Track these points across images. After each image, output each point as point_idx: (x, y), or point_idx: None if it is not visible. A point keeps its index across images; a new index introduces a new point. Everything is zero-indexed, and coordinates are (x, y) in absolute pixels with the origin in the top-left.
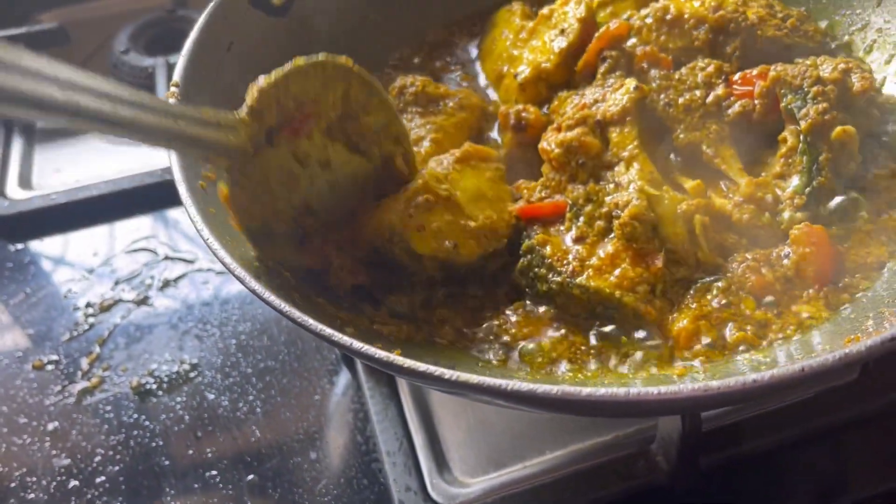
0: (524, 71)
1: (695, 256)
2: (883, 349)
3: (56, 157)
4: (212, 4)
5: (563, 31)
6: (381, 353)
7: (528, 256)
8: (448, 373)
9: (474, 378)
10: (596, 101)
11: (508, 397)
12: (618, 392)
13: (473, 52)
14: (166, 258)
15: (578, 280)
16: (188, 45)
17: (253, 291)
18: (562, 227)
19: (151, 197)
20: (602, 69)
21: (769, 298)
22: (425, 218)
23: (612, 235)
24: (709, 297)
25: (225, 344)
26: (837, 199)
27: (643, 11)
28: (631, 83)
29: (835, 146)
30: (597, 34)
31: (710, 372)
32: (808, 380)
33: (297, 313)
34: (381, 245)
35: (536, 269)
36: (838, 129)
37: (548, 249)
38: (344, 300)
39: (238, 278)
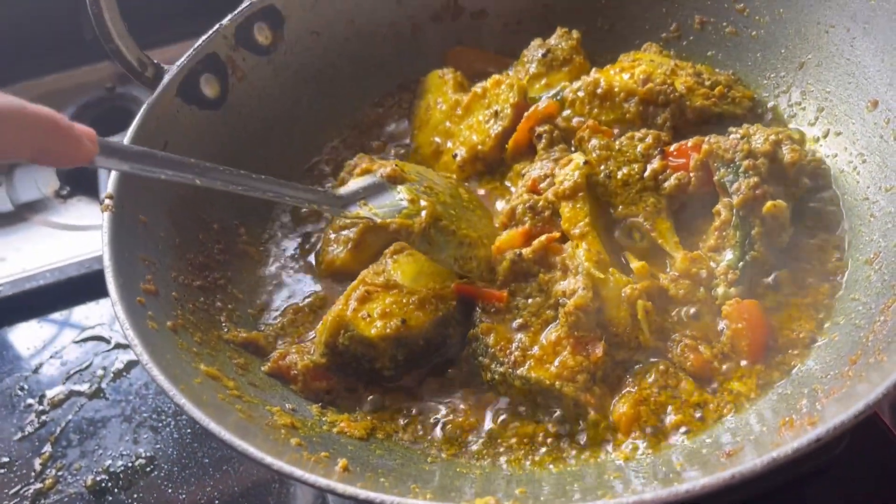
0: (461, 152)
1: (636, 340)
2: (809, 449)
3: (0, 245)
4: (144, 107)
5: (496, 115)
6: (307, 477)
7: (473, 344)
8: (388, 498)
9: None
10: (546, 177)
11: None
12: None
13: (404, 124)
14: (117, 346)
15: (520, 371)
16: None
17: (194, 418)
18: (507, 315)
19: (99, 283)
20: (541, 145)
21: (707, 378)
22: (367, 307)
23: (556, 323)
24: (648, 379)
25: (180, 434)
26: (770, 277)
27: (575, 84)
28: (580, 158)
29: (766, 220)
30: (526, 113)
31: (646, 464)
32: (738, 485)
33: (237, 442)
34: (335, 342)
35: (480, 358)
36: (769, 203)
37: (491, 338)
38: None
39: (178, 405)
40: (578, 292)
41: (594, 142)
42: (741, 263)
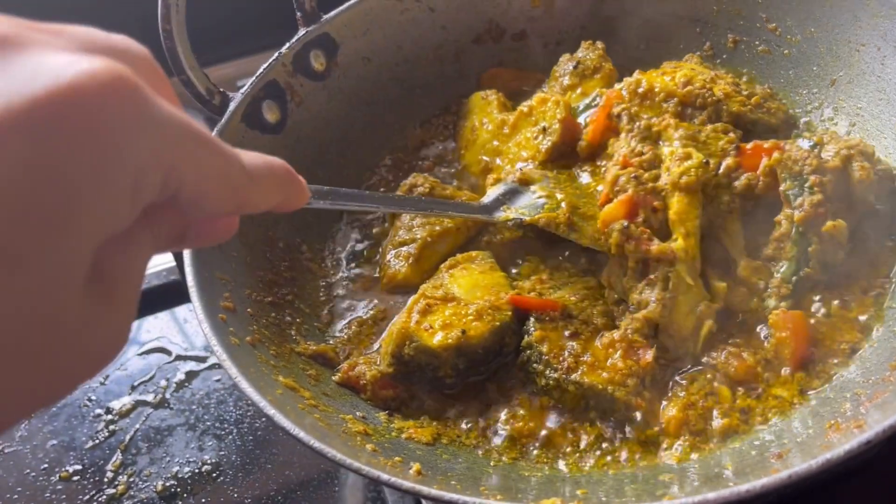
0: (510, 168)
1: (685, 349)
2: (859, 451)
3: None
4: (213, 133)
5: (545, 131)
6: (394, 480)
7: (527, 352)
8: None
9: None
10: (637, 153)
11: None
12: None
13: (450, 144)
14: (178, 358)
15: (573, 376)
16: None
17: (284, 428)
18: (560, 323)
19: (159, 297)
20: (623, 122)
21: (750, 384)
22: (429, 319)
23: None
24: (695, 385)
25: (243, 441)
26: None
27: (617, 85)
28: (701, 155)
29: (824, 238)
30: (600, 101)
31: (698, 466)
32: (792, 485)
33: (326, 449)
34: (400, 353)
35: (535, 365)
36: (829, 223)
37: (545, 346)
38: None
39: (268, 416)
40: (650, 306)
41: (680, 131)
42: (795, 278)
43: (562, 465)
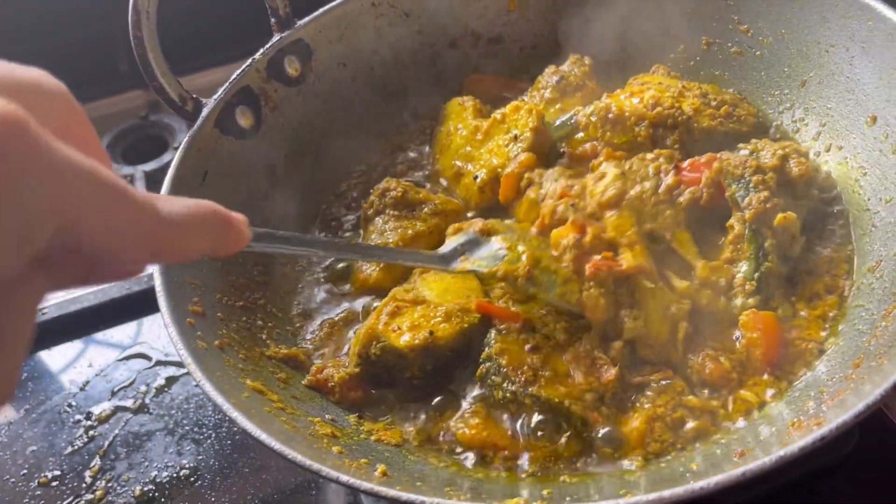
0: (482, 174)
1: (667, 355)
2: (814, 447)
3: None
4: (185, 139)
5: (516, 139)
6: (353, 482)
7: (486, 364)
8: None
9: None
10: (571, 186)
11: None
12: None
13: (426, 148)
14: (158, 363)
15: (531, 389)
16: (167, 184)
17: (246, 430)
18: (521, 336)
19: (139, 303)
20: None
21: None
22: (397, 321)
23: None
24: (662, 398)
25: (221, 445)
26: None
27: (587, 109)
28: (615, 169)
29: (778, 231)
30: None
31: (664, 466)
32: (748, 482)
33: (286, 451)
34: (367, 353)
35: (493, 378)
36: (780, 216)
37: (504, 359)
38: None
39: (231, 418)
40: (626, 324)
41: (607, 165)
42: (756, 274)
43: (526, 471)
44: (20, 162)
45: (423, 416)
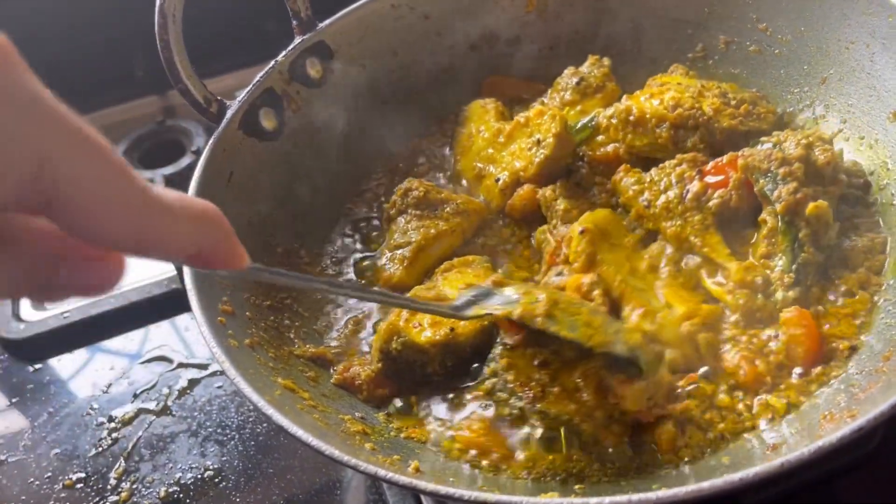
0: (504, 176)
1: (703, 364)
2: (852, 437)
3: None
4: (211, 141)
5: (539, 143)
6: (391, 476)
7: (493, 380)
8: (467, 493)
9: (491, 497)
10: (561, 242)
11: None
12: None
13: (446, 150)
14: (180, 365)
15: (539, 406)
16: (193, 185)
17: (281, 426)
18: (528, 350)
19: (160, 306)
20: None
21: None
22: (418, 317)
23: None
24: (692, 401)
25: (245, 446)
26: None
27: (608, 111)
28: (577, 227)
29: (811, 221)
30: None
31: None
32: (785, 473)
33: (325, 447)
34: (389, 348)
35: (500, 393)
36: (811, 205)
37: (511, 375)
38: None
39: (266, 415)
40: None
41: (627, 180)
42: (794, 266)
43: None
44: (2, 90)
45: (439, 413)
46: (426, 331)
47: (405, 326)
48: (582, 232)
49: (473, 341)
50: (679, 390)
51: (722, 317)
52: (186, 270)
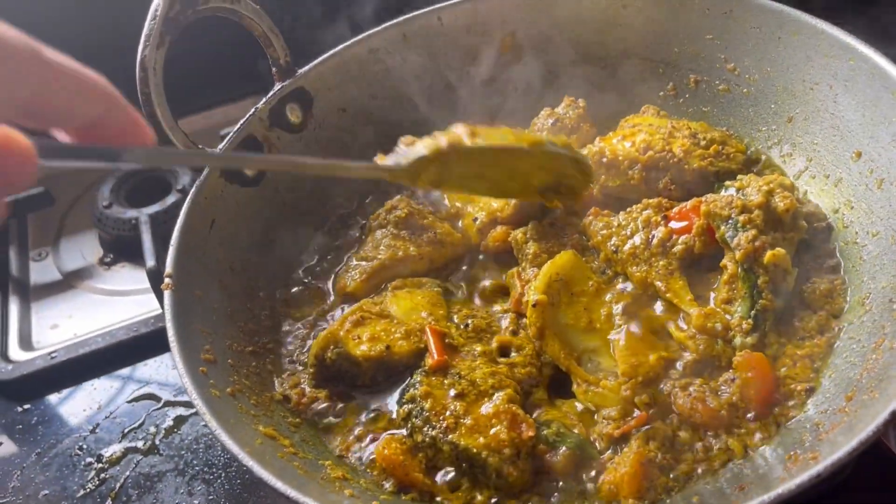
0: (481, 216)
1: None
2: (811, 484)
3: (52, 313)
4: (193, 189)
5: None
6: None
7: (410, 405)
8: None
9: None
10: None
11: None
12: None
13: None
14: (167, 403)
15: (450, 437)
16: (176, 234)
17: (262, 478)
18: (446, 380)
19: (147, 345)
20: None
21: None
22: (359, 330)
23: (497, 397)
24: (651, 444)
25: (231, 485)
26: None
27: (582, 152)
28: (533, 296)
29: (770, 269)
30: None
31: None
32: None
33: (300, 497)
34: (323, 355)
35: (415, 420)
36: (769, 253)
37: (428, 402)
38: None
39: (247, 467)
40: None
41: (596, 224)
42: (752, 312)
43: None
44: None
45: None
46: (363, 344)
47: (344, 336)
48: (535, 305)
49: (407, 362)
50: (633, 431)
51: (671, 366)
52: (168, 321)
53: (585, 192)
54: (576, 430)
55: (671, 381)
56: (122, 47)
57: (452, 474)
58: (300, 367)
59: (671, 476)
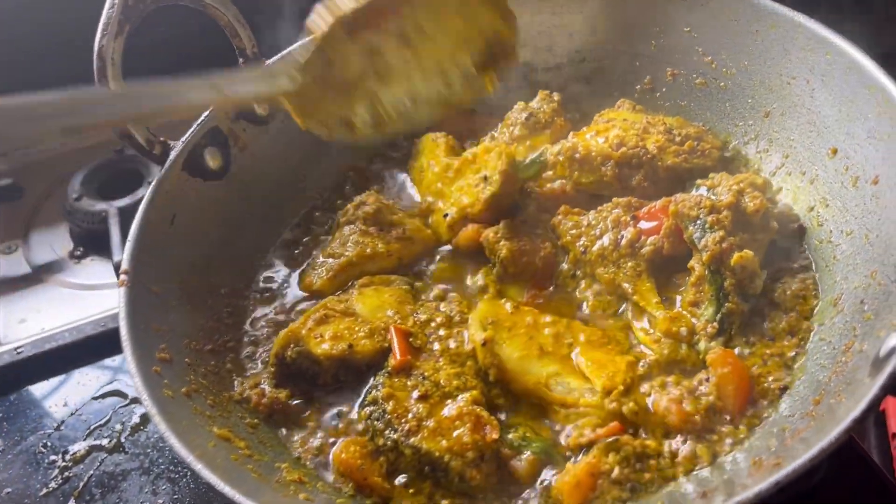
0: (452, 212)
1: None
2: (770, 492)
3: (20, 307)
4: (153, 184)
5: (486, 179)
6: None
7: (371, 408)
8: None
9: None
10: None
11: None
12: None
13: (401, 176)
14: (134, 400)
15: (412, 440)
16: (134, 229)
17: (211, 483)
18: (409, 381)
19: (115, 340)
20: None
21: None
22: (322, 328)
23: (461, 399)
24: (610, 457)
25: (197, 484)
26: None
27: (555, 148)
28: (478, 336)
29: (736, 271)
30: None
31: None
32: None
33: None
34: (283, 354)
35: (376, 423)
36: (736, 255)
37: (390, 405)
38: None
39: (195, 471)
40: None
41: (565, 223)
42: (718, 316)
43: None
44: None
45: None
46: (325, 343)
47: (306, 335)
48: (484, 344)
49: (370, 361)
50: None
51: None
52: (122, 320)
53: (517, 39)
54: (544, 435)
55: (649, 382)
56: (81, 36)
57: (411, 477)
58: (261, 366)
59: (627, 487)
